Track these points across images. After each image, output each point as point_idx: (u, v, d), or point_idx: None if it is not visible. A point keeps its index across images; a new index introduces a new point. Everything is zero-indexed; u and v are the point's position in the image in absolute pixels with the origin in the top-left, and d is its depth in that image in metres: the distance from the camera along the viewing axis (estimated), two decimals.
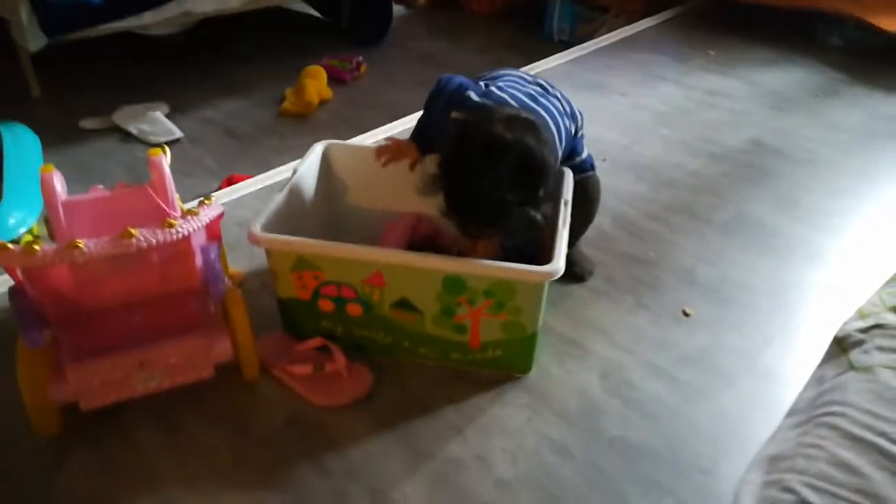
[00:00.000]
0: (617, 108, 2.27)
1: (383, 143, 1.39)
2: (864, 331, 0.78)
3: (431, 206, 1.15)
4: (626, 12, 3.04)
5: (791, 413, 0.78)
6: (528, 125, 1.09)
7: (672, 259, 1.55)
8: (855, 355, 0.74)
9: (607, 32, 2.92)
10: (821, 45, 2.74)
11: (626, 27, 2.93)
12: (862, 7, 2.58)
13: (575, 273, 1.42)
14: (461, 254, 1.26)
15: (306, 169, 1.39)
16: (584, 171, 1.37)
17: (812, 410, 0.72)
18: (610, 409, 1.18)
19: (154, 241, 0.97)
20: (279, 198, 1.26)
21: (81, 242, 0.93)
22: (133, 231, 0.96)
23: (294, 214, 1.30)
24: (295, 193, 1.33)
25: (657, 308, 1.40)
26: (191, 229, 1.01)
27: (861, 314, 0.83)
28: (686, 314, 1.38)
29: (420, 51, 3.11)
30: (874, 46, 2.63)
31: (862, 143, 2.07)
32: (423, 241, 1.41)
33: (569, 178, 1.31)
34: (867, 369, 0.71)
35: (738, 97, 2.35)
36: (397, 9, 3.39)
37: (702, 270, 1.51)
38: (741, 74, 2.52)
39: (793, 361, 1.28)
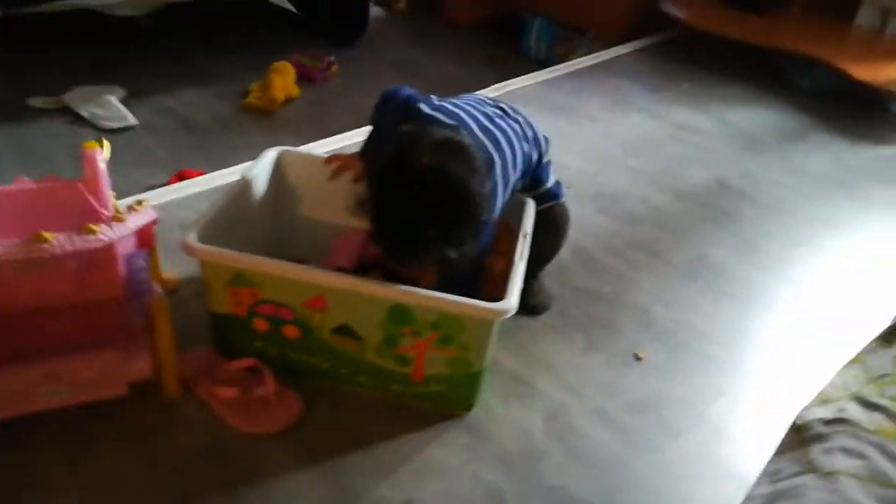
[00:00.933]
0: (585, 134, 2.23)
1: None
2: (827, 423, 0.72)
3: None
4: (604, 37, 3.02)
5: None
6: (458, 150, 1.01)
7: (628, 298, 1.51)
8: (816, 454, 0.69)
9: (584, 55, 2.89)
10: (792, 87, 2.75)
11: (603, 52, 2.91)
12: (835, 53, 2.60)
13: (529, 305, 1.37)
14: (411, 279, 1.20)
15: (256, 175, 1.31)
16: (550, 200, 1.32)
17: None
18: (551, 456, 1.13)
19: (70, 247, 0.89)
20: (220, 204, 1.18)
21: None
22: (47, 235, 0.87)
23: (238, 223, 1.22)
24: (241, 200, 1.25)
25: (609, 349, 1.36)
26: (114, 237, 0.93)
27: (823, 399, 0.78)
28: (638, 358, 1.34)
29: (394, 57, 3.04)
30: (844, 93, 2.64)
31: (826, 191, 2.07)
32: (374, 260, 1.35)
33: (529, 208, 1.26)
34: (829, 475, 0.66)
35: (707, 133, 2.34)
36: (376, 11, 3.32)
37: (658, 312, 1.47)
38: (712, 110, 2.50)
39: (741, 418, 1.25)
